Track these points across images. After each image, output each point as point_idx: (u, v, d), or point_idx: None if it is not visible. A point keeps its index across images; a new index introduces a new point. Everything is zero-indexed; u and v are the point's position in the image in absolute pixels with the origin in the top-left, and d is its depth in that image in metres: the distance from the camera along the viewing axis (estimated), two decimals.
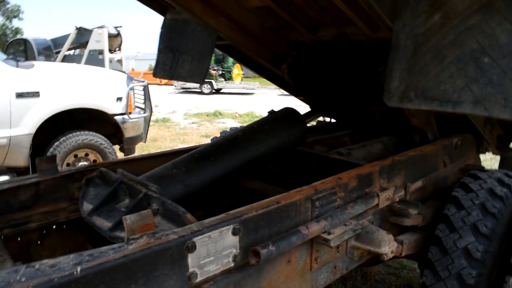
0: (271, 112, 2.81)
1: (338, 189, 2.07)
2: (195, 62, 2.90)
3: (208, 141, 4.78)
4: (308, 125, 3.68)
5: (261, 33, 3.26)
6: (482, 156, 3.97)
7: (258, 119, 2.84)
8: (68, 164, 5.70)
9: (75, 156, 5.75)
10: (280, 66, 3.53)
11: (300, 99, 5.38)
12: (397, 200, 2.48)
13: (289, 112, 2.80)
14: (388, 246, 2.10)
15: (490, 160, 6.86)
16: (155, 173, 2.16)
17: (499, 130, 3.71)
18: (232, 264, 1.61)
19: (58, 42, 15.91)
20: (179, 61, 2.99)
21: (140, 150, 8.71)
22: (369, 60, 3.69)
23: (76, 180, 2.32)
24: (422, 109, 3.06)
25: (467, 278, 2.30)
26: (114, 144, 6.38)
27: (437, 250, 2.46)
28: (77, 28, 15.46)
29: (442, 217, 2.57)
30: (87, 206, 2.05)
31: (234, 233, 1.59)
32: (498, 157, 4.42)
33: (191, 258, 1.46)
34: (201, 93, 23.21)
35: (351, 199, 2.17)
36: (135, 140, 6.44)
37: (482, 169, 2.93)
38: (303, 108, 5.14)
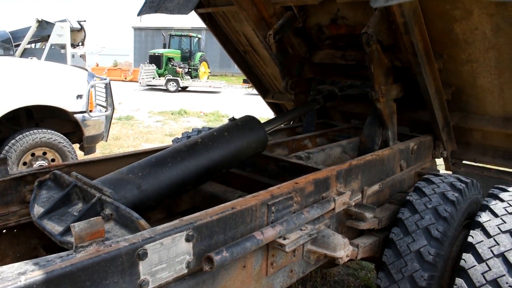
0: (232, 120, 2.82)
1: (294, 194, 2.09)
2: None
3: (171, 140, 4.72)
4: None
5: None
6: (438, 160, 4.08)
7: (223, 118, 2.84)
8: (24, 163, 5.53)
9: (33, 154, 5.58)
10: (263, 31, 3.65)
11: (266, 102, 5.40)
12: (354, 203, 2.53)
13: (249, 120, 2.81)
14: (343, 250, 2.14)
15: None
16: (110, 177, 2.12)
17: (454, 145, 3.83)
18: (186, 271, 1.60)
19: (18, 35, 15.30)
20: None
21: (102, 148, 8.53)
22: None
23: (28, 182, 2.26)
24: (392, 92, 3.18)
25: (419, 280, 2.37)
26: (74, 142, 6.24)
27: (391, 253, 2.52)
28: (38, 21, 14.93)
29: (397, 221, 2.64)
30: (38, 209, 2.00)
31: (187, 240, 1.58)
32: None
33: (142, 266, 1.44)
34: (167, 90, 22.88)
35: (307, 204, 2.20)
36: (96, 138, 6.30)
37: (437, 174, 3.01)
38: (266, 108, 5.16)
